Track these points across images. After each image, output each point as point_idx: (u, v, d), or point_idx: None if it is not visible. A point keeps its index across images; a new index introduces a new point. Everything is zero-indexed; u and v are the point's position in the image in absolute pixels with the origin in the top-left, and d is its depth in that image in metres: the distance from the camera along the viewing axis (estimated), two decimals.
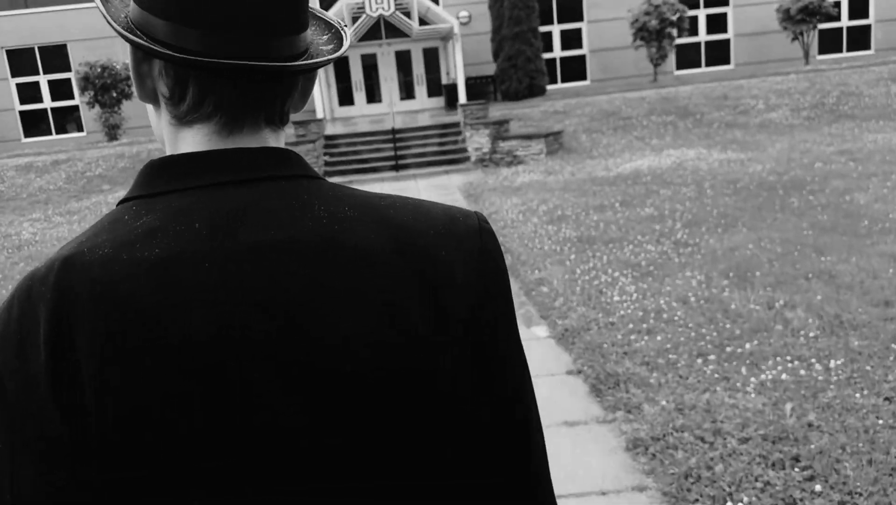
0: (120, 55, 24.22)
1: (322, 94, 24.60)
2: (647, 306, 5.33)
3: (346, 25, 1.12)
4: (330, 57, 0.75)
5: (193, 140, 0.72)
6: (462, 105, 17.47)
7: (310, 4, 0.76)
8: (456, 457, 0.70)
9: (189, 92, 0.70)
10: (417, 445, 0.68)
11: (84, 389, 0.62)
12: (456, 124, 18.07)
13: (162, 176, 0.70)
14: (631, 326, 5.00)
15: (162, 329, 0.63)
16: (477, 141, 16.04)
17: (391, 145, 16.89)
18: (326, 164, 16.98)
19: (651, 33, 23.17)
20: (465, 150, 17.06)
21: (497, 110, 19.97)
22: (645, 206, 8.92)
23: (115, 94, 22.36)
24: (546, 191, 10.80)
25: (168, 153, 0.74)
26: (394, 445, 0.67)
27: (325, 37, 0.81)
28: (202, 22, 0.67)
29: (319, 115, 21.67)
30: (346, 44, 0.78)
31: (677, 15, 23.03)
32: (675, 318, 5.07)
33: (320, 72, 26.29)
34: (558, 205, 9.50)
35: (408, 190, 13.37)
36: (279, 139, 0.76)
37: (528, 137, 15.25)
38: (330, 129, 19.69)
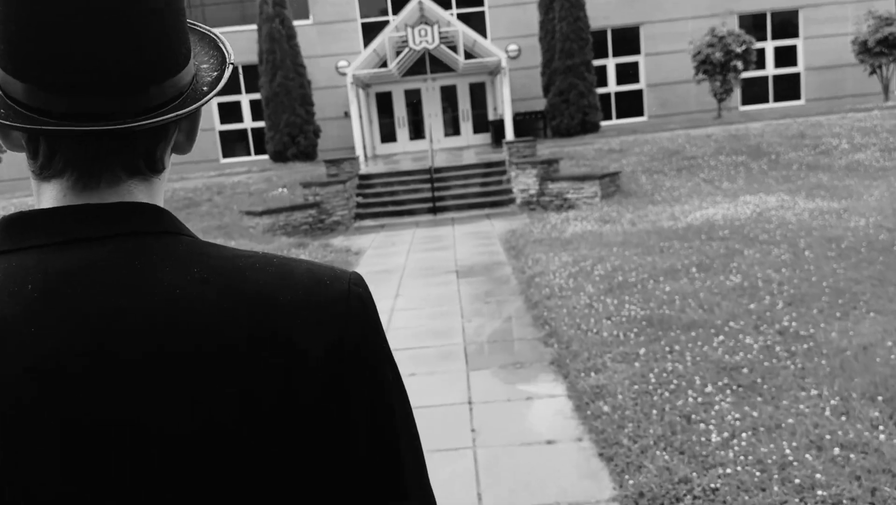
0: None
1: (363, 130, 23.27)
2: (765, 456, 3.45)
3: (229, 51, 0.78)
4: (183, 111, 0.67)
5: (51, 195, 0.68)
6: (508, 142, 15.78)
7: (188, 29, 0.72)
8: None
9: (40, 148, 0.68)
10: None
11: None
12: (501, 163, 16.37)
13: (8, 233, 0.67)
14: (746, 497, 3.13)
15: None
16: (523, 182, 14.30)
17: (430, 185, 15.28)
18: (358, 205, 15.43)
19: (715, 66, 21.24)
20: (509, 191, 15.32)
21: (546, 148, 18.22)
22: (729, 273, 7.01)
23: None
24: (602, 245, 8.96)
25: (35, 206, 0.71)
26: None
27: (209, 63, 0.76)
28: (49, 84, 0.63)
29: (358, 152, 20.27)
30: (225, 74, 0.73)
31: (744, 47, 21.07)
32: (815, 482, 3.18)
33: (362, 108, 25.11)
34: (618, 266, 7.65)
35: (443, 238, 11.68)
36: (151, 190, 0.71)
37: (581, 179, 13.43)
38: (366, 168, 18.22)
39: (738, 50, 21.07)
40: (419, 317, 6.97)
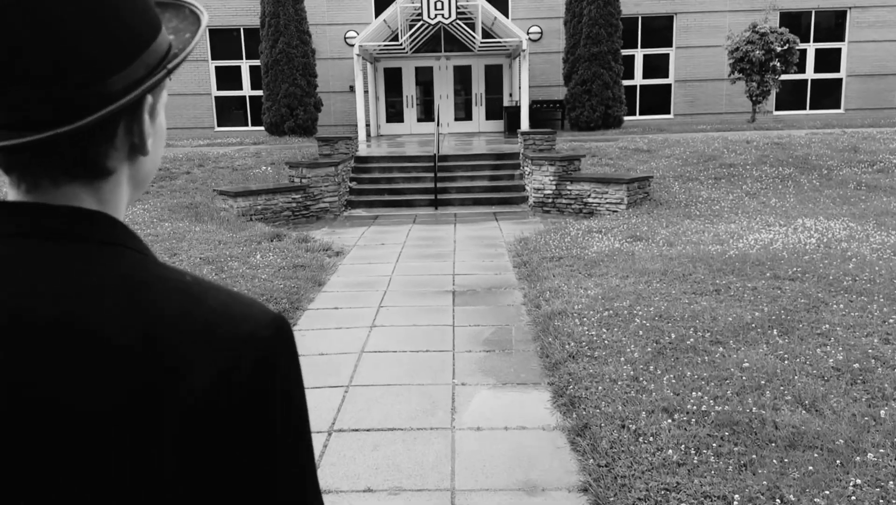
0: None
1: (369, 107, 21.23)
2: None
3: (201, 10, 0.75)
4: (73, 125, 0.63)
5: (10, 191, 0.69)
6: (524, 133, 13.76)
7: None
8: None
9: None
10: None
11: None
12: (514, 155, 14.36)
13: None
14: None
15: None
16: (538, 179, 12.30)
17: (433, 175, 13.29)
18: (351, 191, 13.45)
19: (753, 65, 19.11)
20: (521, 188, 13.32)
21: (564, 141, 16.19)
22: (821, 337, 5.05)
23: None
24: (637, 273, 7.01)
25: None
26: None
27: (184, 32, 0.73)
28: None
29: (360, 130, 18.25)
30: (145, 83, 0.67)
31: (786, 46, 18.92)
32: None
33: (369, 83, 23.02)
34: (665, 312, 5.69)
35: (441, 241, 9.71)
36: (100, 195, 0.69)
37: (605, 181, 11.43)
38: (365, 149, 16.21)
39: (780, 49, 18.94)
40: (396, 365, 5.04)
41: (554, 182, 12.07)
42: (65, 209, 0.66)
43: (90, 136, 0.66)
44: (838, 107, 21.77)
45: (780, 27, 19.17)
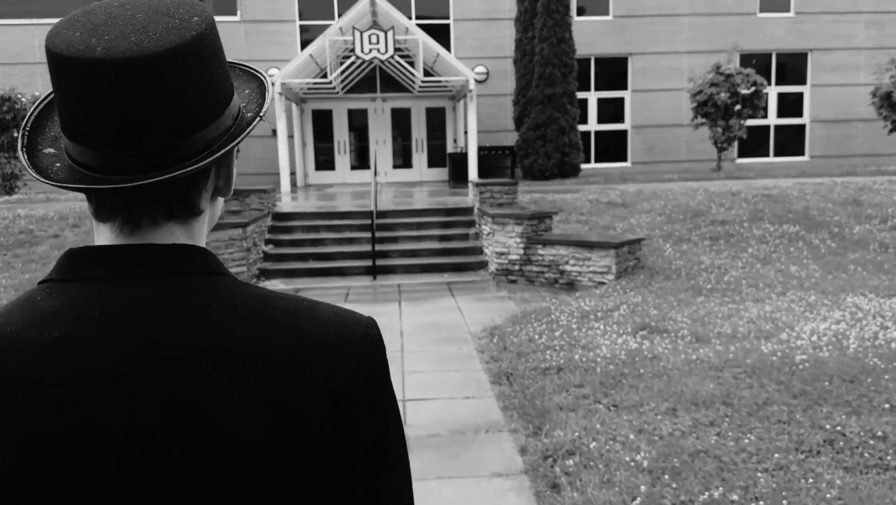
0: (37, 84, 18.24)
1: (294, 153, 18.63)
2: None
3: (272, 83, 0.78)
4: (190, 168, 0.71)
5: (105, 235, 0.75)
6: (478, 184, 11.41)
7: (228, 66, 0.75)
8: None
9: (92, 199, 0.76)
10: None
11: None
12: (467, 210, 11.97)
13: (75, 263, 0.73)
14: None
15: (49, 408, 0.66)
16: (501, 242, 9.90)
17: (369, 234, 10.75)
18: (266, 257, 10.73)
19: (718, 109, 17.47)
20: (479, 250, 10.90)
21: (521, 193, 13.94)
22: None
23: (14, 135, 16.23)
24: (685, 401, 4.60)
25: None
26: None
27: (248, 91, 0.82)
28: (92, 144, 0.70)
29: (284, 180, 15.63)
30: (248, 129, 0.76)
31: (753, 88, 17.39)
32: None
33: (294, 126, 20.41)
34: (789, 497, 3.25)
35: (385, 332, 7.11)
36: (191, 230, 0.77)
37: (587, 245, 9.12)
38: (288, 203, 13.57)
39: (747, 92, 17.39)
40: None
41: (522, 245, 9.70)
42: (190, 248, 0.75)
43: (193, 178, 0.74)
44: (802, 153, 20.42)
45: (744, 69, 17.66)
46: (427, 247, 11.03)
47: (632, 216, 11.50)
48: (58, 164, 0.74)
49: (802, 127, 20.39)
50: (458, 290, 9.29)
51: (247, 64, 0.83)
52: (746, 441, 4.00)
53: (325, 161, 20.03)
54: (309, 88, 18.22)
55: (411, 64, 17.53)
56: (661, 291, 8.02)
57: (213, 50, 0.73)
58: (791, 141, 20.39)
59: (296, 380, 0.70)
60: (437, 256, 10.83)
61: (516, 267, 9.75)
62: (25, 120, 0.77)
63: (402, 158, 20.30)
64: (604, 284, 8.80)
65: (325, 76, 16.79)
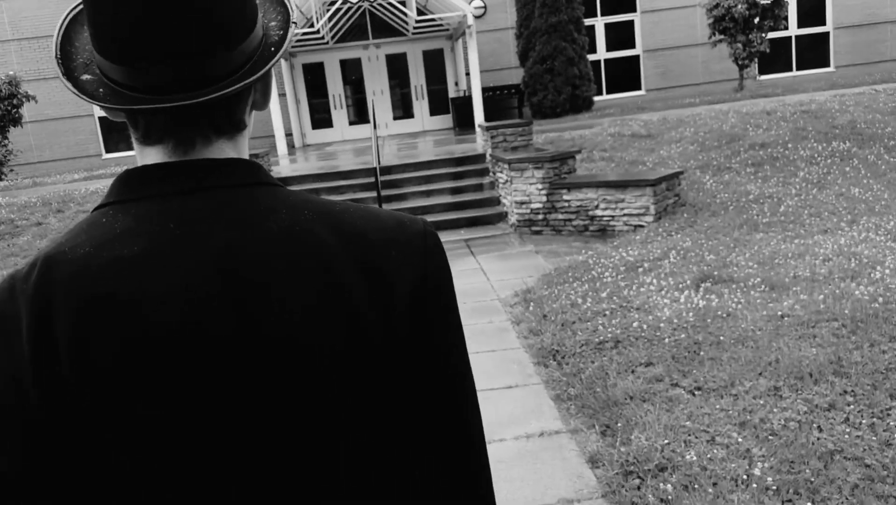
0: (12, 62, 17.07)
1: (289, 113, 17.49)
2: None
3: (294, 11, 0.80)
4: (252, 78, 0.71)
5: (155, 157, 0.74)
6: (489, 127, 10.30)
7: None
8: (396, 426, 0.74)
9: (139, 123, 0.74)
10: (356, 410, 0.72)
11: (65, 381, 0.65)
12: (479, 157, 10.89)
13: (133, 184, 0.72)
14: None
15: (139, 321, 0.66)
16: (521, 189, 8.86)
17: (374, 194, 9.73)
18: None
19: (737, 23, 16.06)
20: (496, 200, 9.88)
21: (535, 134, 12.79)
22: None
23: None
24: (788, 375, 3.65)
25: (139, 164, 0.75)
26: (335, 408, 0.71)
27: (276, 21, 0.78)
28: (132, 60, 0.68)
29: (280, 143, 14.55)
30: (289, 34, 0.75)
31: None
32: None
33: (286, 83, 19.21)
34: None
35: None
36: (238, 145, 0.77)
37: (619, 185, 8.05)
38: (287, 166, 12.52)
39: (766, 2, 15.96)
40: None
41: (544, 191, 8.65)
42: (243, 162, 0.75)
43: (238, 94, 0.73)
44: (827, 65, 18.99)
45: None
46: (438, 202, 10.01)
47: (660, 147, 10.39)
48: (101, 90, 0.71)
49: (825, 35, 18.89)
50: (477, 247, 8.30)
51: None
52: (885, 430, 3.05)
53: (321, 118, 18.84)
54: (297, 41, 16.94)
55: (403, 3, 16.19)
56: (711, 231, 6.99)
57: None
58: (814, 52, 18.94)
59: (366, 284, 0.71)
60: (451, 211, 9.82)
61: (540, 216, 8.73)
62: (55, 48, 0.75)
63: (403, 108, 19.07)
64: (642, 227, 7.78)
65: (311, 26, 15.51)
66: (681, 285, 5.37)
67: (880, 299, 4.50)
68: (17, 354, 0.65)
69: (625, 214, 8.01)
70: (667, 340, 4.30)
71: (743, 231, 6.87)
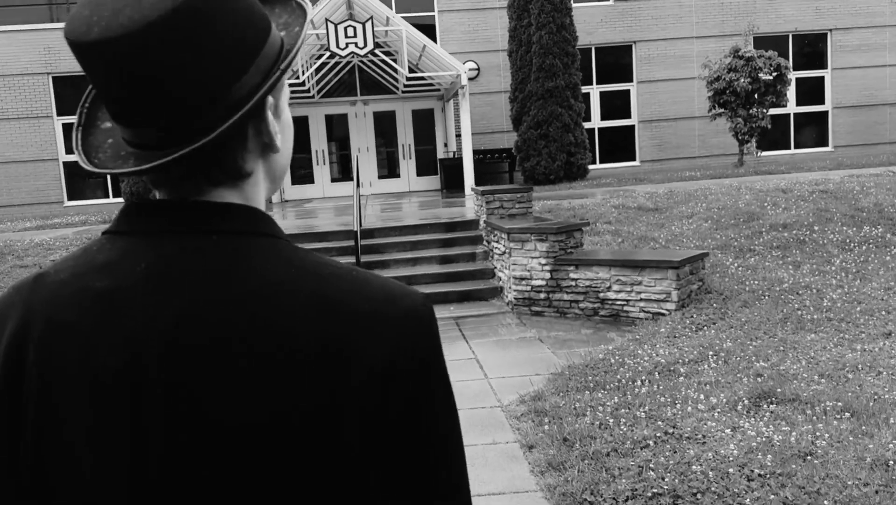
0: None
1: None
2: None
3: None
4: (208, 137, 0.67)
5: (161, 195, 0.74)
6: (484, 191, 9.24)
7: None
8: None
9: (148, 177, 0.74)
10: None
11: (26, 402, 0.66)
12: (471, 223, 9.81)
13: (129, 217, 0.72)
14: None
15: (91, 357, 0.65)
16: (521, 264, 7.73)
17: (353, 259, 8.54)
18: None
19: (739, 97, 15.43)
20: (490, 273, 8.75)
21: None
22: None
23: None
24: None
25: None
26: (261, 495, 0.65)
27: (285, 20, 0.77)
28: (124, 123, 0.69)
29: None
30: (268, 82, 0.70)
31: (776, 73, 15.41)
32: None
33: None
34: None
35: None
36: (245, 193, 0.73)
37: (637, 265, 6.95)
38: None
39: (769, 77, 15.39)
40: None
41: (548, 267, 7.53)
42: (243, 208, 0.71)
43: (223, 144, 0.70)
44: (826, 144, 18.43)
45: (765, 51, 15.64)
46: (425, 271, 8.84)
47: (670, 223, 9.38)
48: (110, 140, 0.73)
49: (824, 114, 18.40)
50: (470, 329, 7.11)
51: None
52: None
53: (303, 174, 17.78)
54: None
55: (394, 61, 15.39)
56: (748, 327, 5.87)
57: (219, 3, 0.66)
58: (812, 130, 18.40)
59: (334, 362, 0.66)
60: (439, 283, 8.64)
61: (542, 295, 7.58)
62: (85, 95, 0.76)
63: (388, 167, 18.10)
64: (662, 315, 6.65)
65: (297, 78, 14.58)
66: (736, 404, 4.20)
67: None
68: None
69: (642, 299, 6.89)
70: (748, 500, 3.09)
71: (787, 329, 5.76)
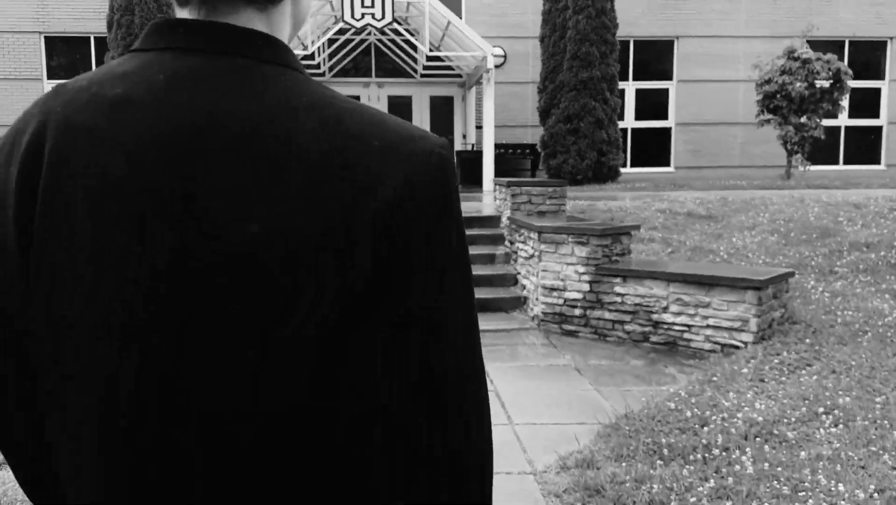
0: None
1: None
2: None
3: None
4: None
5: (185, 16, 0.71)
6: (511, 183, 7.80)
7: None
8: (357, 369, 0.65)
9: None
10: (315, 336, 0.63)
11: (40, 203, 0.64)
12: (491, 220, 8.37)
13: (153, 35, 0.70)
14: None
15: (103, 158, 0.64)
16: (553, 271, 6.28)
17: None
18: None
19: (792, 103, 13.90)
20: (512, 280, 7.31)
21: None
22: None
23: None
24: None
25: None
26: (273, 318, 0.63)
27: None
28: None
29: None
30: None
31: (834, 80, 13.87)
32: None
33: None
34: None
35: None
36: (272, 21, 0.71)
37: (703, 283, 5.48)
38: None
39: (825, 84, 13.86)
40: None
41: (587, 277, 6.07)
42: (263, 36, 0.69)
43: None
44: (878, 161, 16.88)
45: (823, 54, 14.11)
46: None
47: (729, 234, 7.90)
48: None
49: (878, 129, 16.84)
50: (486, 347, 5.66)
51: None
52: None
53: None
54: None
55: (413, 35, 13.97)
56: (858, 374, 4.40)
57: None
58: (865, 145, 16.85)
59: (346, 180, 0.63)
60: None
61: (577, 311, 6.13)
62: None
63: None
64: (736, 348, 5.18)
65: (304, 49, 13.18)
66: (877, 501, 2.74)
67: None
68: (13, 169, 0.66)
69: (709, 326, 5.42)
70: None
71: None
